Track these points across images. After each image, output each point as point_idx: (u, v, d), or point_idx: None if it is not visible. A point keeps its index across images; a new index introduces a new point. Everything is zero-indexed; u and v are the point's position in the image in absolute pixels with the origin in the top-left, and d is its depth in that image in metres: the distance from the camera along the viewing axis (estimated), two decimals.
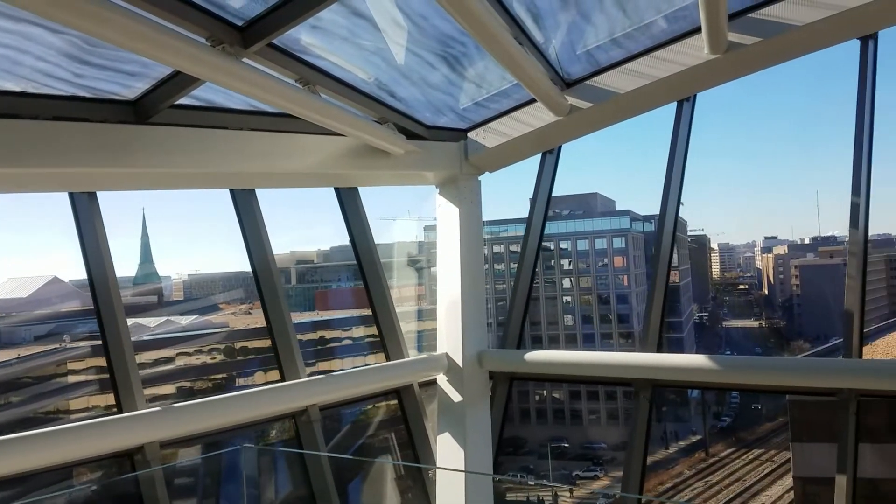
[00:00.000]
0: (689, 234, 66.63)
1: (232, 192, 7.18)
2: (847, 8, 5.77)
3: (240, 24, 4.79)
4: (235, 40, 4.69)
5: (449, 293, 7.48)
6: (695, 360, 5.89)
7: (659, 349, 6.41)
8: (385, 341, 7.80)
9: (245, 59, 4.83)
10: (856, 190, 5.81)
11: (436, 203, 8.15)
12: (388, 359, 7.79)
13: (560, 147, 8.11)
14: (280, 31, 4.69)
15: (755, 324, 67.82)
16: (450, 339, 7.41)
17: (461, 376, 7.24)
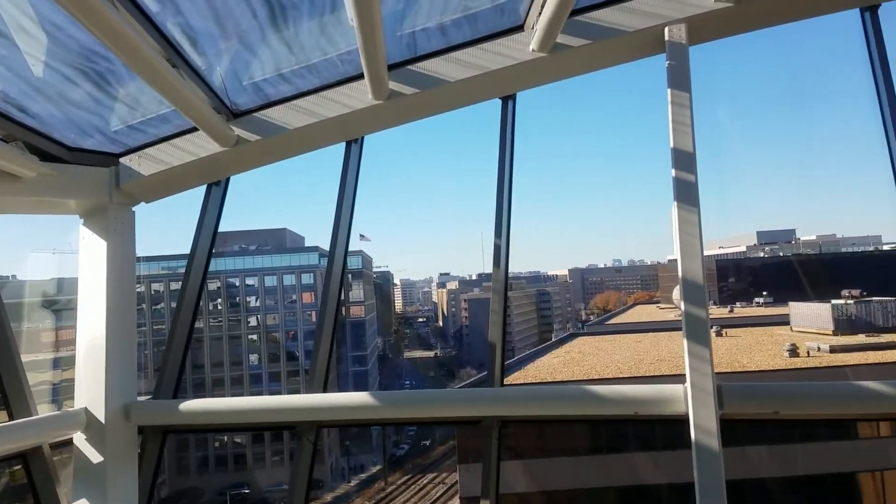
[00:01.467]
0: (374, 270, 70.21)
1: None
2: (490, 70, 6.45)
3: None
4: None
5: (90, 338, 6.50)
6: (355, 398, 5.89)
7: (325, 388, 6.30)
8: (7, 396, 6.47)
9: None
10: (498, 233, 6.41)
11: (80, 235, 7.08)
12: (11, 417, 6.48)
13: (228, 179, 7.67)
14: None
15: (431, 354, 73.59)
16: (90, 392, 6.41)
17: (103, 433, 6.30)
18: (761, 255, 54.99)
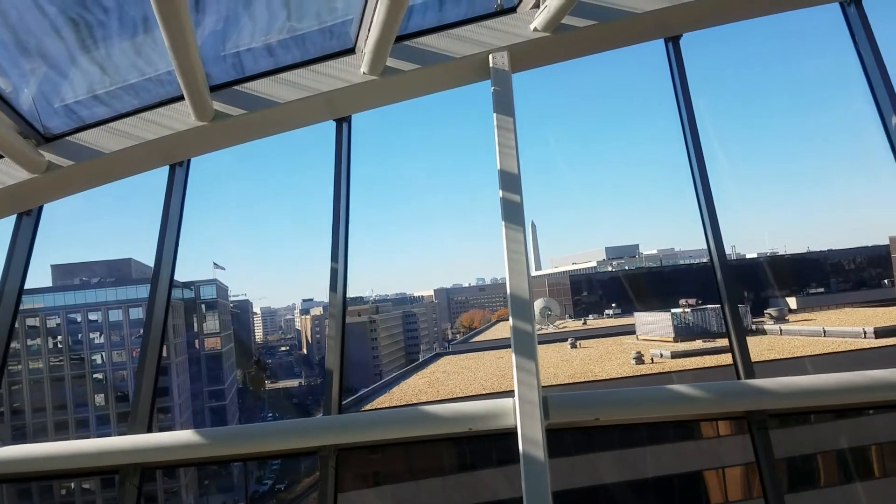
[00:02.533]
0: (231, 299, 67.47)
1: None
2: (321, 91, 6.41)
3: None
4: None
5: None
6: (181, 436, 5.54)
7: (150, 428, 5.88)
8: None
9: None
10: (334, 257, 6.32)
11: None
12: None
13: (41, 208, 7.06)
14: None
15: (296, 383, 71.62)
16: None
17: None
18: (609, 269, 58.60)
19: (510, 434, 5.39)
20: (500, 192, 5.96)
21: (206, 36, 5.98)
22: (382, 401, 27.74)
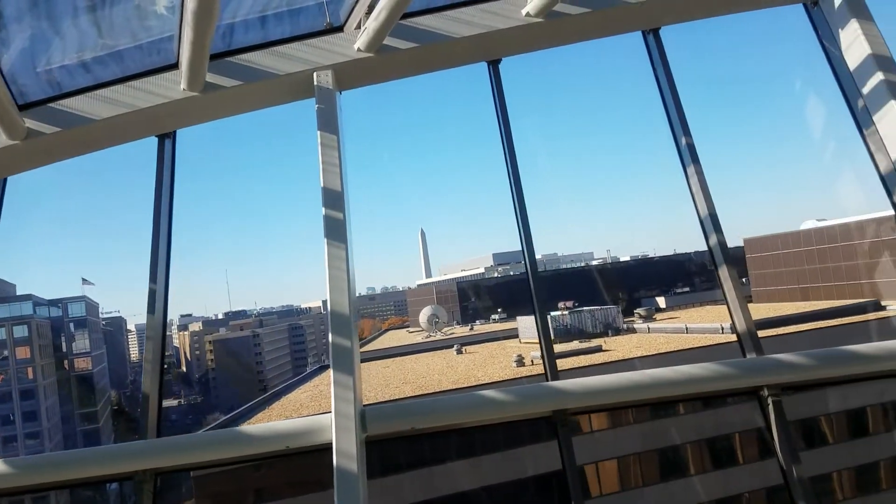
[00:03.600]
0: (103, 316, 63.67)
1: None
2: (140, 108, 6.28)
3: None
4: None
5: None
6: None
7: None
8: None
9: None
10: (153, 278, 6.19)
11: None
12: None
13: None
14: None
15: (175, 402, 68.46)
16: None
17: None
18: (496, 275, 60.03)
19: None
20: (323, 209, 6.05)
21: (16, 54, 5.77)
22: (261, 417, 27.10)
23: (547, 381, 5.97)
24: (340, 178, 6.17)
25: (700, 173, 6.54)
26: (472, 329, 47.43)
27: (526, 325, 38.46)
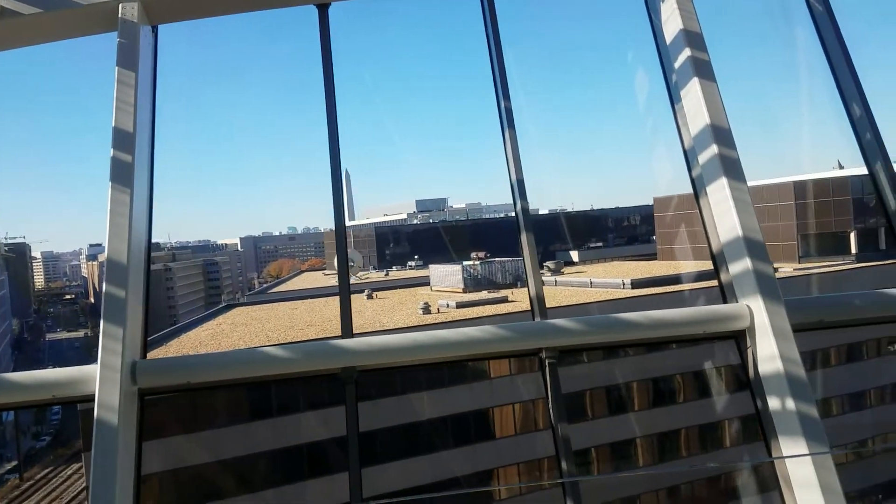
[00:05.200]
0: (5, 241, 60.58)
1: None
2: None
3: None
4: None
5: None
6: None
7: None
8: None
9: None
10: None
11: None
12: None
13: None
14: None
15: (82, 333, 66.48)
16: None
17: None
18: (415, 222, 59.91)
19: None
20: (112, 150, 5.76)
21: None
22: (158, 352, 26.61)
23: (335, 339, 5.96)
24: (134, 118, 5.86)
25: (514, 139, 6.53)
26: (387, 275, 47.49)
27: (438, 273, 38.75)
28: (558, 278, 38.09)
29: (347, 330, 6.03)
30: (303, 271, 56.21)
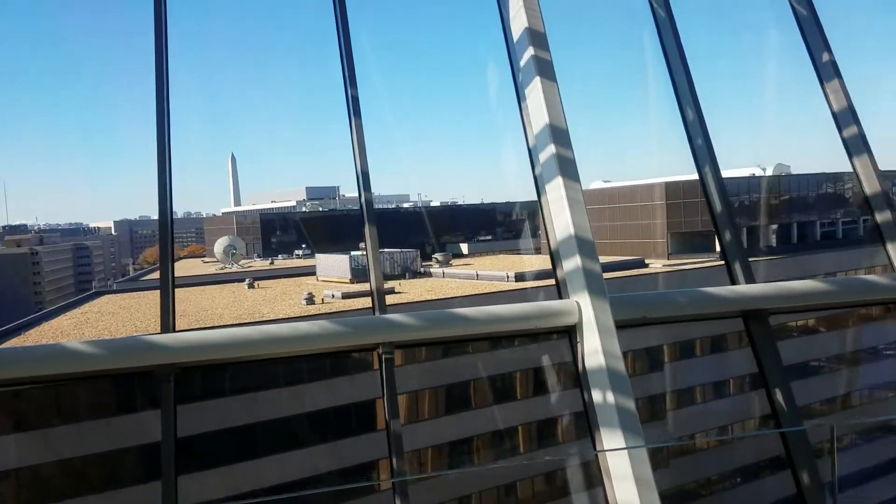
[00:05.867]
0: None
1: None
2: None
3: None
4: None
5: None
6: None
7: None
8: None
9: None
10: None
11: None
12: None
13: None
14: None
15: None
16: None
17: None
18: (304, 209, 58.57)
19: None
20: None
21: None
22: (15, 342, 24.63)
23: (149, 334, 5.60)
24: None
25: (360, 128, 6.37)
26: (272, 263, 46.09)
27: (325, 263, 38.08)
28: (446, 270, 38.42)
29: (167, 326, 5.68)
30: (181, 258, 53.69)
